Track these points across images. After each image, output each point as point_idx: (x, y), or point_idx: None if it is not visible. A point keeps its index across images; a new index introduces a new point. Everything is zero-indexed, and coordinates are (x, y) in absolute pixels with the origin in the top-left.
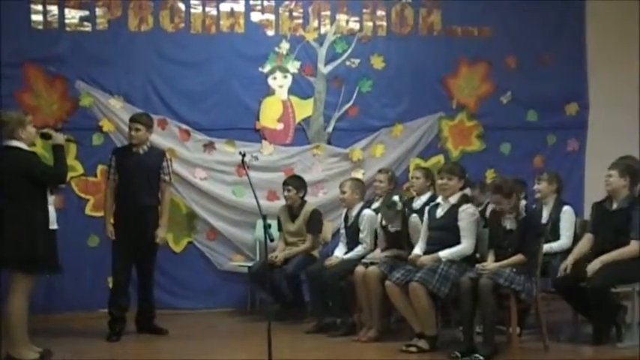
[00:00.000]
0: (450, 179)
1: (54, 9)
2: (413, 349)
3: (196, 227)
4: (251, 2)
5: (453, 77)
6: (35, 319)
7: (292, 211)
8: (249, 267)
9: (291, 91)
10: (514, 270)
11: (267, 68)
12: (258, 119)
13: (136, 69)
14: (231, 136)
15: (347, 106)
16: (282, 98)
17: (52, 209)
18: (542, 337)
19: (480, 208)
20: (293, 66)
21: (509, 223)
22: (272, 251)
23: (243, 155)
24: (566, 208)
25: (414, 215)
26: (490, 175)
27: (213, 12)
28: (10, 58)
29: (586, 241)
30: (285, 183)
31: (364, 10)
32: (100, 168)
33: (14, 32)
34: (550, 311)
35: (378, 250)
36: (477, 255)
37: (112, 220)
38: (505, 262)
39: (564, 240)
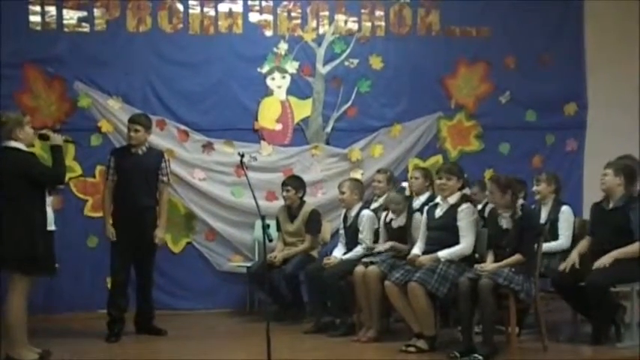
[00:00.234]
0: (448, 179)
1: (52, 10)
2: (412, 349)
3: (195, 228)
4: (249, 3)
5: (451, 77)
6: (34, 319)
7: (291, 211)
8: (248, 267)
9: (289, 92)
10: (513, 270)
11: (265, 69)
12: (256, 120)
13: (135, 70)
14: (229, 136)
15: (345, 106)
16: (280, 99)
17: (49, 210)
18: (542, 337)
19: (479, 208)
20: (291, 66)
21: (505, 223)
22: (271, 251)
23: (242, 156)
24: (565, 208)
25: (417, 212)
26: (489, 175)
27: (212, 13)
28: (9, 58)
29: (585, 241)
30: (284, 183)
31: (362, 11)
32: (98, 169)
33: (13, 33)
34: (549, 311)
35: (382, 242)
36: (476, 255)
37: (111, 221)
38: (504, 262)
39: (562, 240)
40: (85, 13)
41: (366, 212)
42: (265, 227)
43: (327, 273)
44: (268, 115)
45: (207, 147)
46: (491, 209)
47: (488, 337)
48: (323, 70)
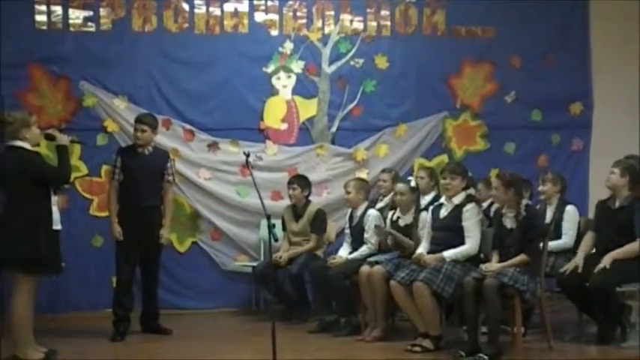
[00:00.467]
0: (452, 179)
1: (58, 9)
2: (417, 348)
3: (200, 227)
4: (255, 2)
5: (457, 77)
6: (40, 319)
7: (296, 210)
8: (253, 267)
9: (295, 91)
10: (518, 270)
11: (271, 68)
12: (262, 119)
13: (140, 69)
14: (235, 136)
15: (351, 105)
16: (286, 98)
17: (55, 210)
18: (547, 337)
19: (484, 207)
20: (297, 66)
21: (509, 222)
22: (276, 251)
23: (247, 155)
24: (569, 208)
25: (424, 212)
26: (494, 175)
27: (217, 12)
28: (15, 58)
29: (588, 239)
30: (290, 182)
31: (368, 10)
32: (104, 168)
33: (18, 33)
34: (554, 311)
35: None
36: (481, 255)
37: (117, 220)
38: (509, 262)
39: (566, 239)
40: (90, 13)
41: (372, 212)
42: (271, 227)
43: (332, 272)
44: (274, 114)
45: (213, 146)
46: (496, 209)
47: (493, 337)
48: (328, 69)
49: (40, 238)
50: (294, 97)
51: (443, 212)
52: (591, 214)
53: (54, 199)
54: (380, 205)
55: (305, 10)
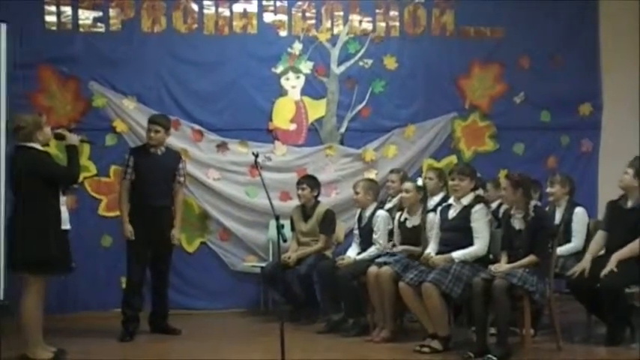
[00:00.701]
0: (461, 180)
1: (68, 10)
2: (426, 349)
3: (209, 228)
4: (264, 3)
5: (465, 77)
6: (49, 318)
7: (305, 211)
8: (262, 267)
9: (303, 92)
10: (527, 270)
11: (279, 69)
12: (271, 120)
13: (149, 70)
14: (244, 136)
15: (360, 106)
16: (294, 99)
17: (64, 209)
18: (556, 338)
19: (492, 208)
20: (306, 66)
21: (518, 223)
22: (285, 251)
23: (256, 156)
24: (579, 210)
25: (432, 212)
26: (503, 176)
27: (226, 13)
28: (25, 58)
29: (599, 238)
30: (299, 182)
31: (377, 11)
32: (113, 168)
33: (28, 33)
34: (564, 312)
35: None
36: (490, 256)
37: (128, 220)
38: (517, 263)
39: (575, 242)
40: (100, 14)
41: (380, 212)
42: (279, 227)
43: (340, 273)
44: (282, 115)
45: (222, 147)
46: (505, 210)
47: (502, 338)
48: (337, 70)
49: (49, 238)
50: (303, 98)
51: (451, 213)
52: (601, 216)
53: (63, 199)
54: (388, 205)
55: (314, 10)
